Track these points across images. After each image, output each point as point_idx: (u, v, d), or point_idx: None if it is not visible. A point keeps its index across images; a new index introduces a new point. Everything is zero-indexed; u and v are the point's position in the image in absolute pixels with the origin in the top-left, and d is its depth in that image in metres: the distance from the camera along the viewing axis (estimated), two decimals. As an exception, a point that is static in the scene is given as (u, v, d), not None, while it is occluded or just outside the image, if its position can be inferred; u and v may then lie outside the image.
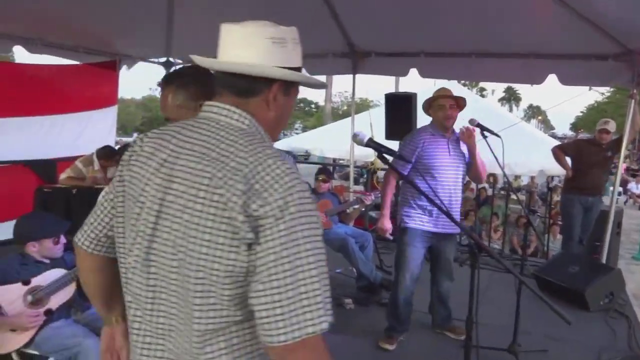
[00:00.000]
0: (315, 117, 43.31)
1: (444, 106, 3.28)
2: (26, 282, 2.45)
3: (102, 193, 1.23)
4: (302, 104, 47.78)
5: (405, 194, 3.41)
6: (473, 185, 10.12)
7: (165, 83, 1.56)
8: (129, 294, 1.10)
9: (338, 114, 32.30)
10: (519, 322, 3.15)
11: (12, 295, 2.41)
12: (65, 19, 5.15)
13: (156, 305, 1.03)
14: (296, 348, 0.90)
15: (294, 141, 12.30)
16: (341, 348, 2.33)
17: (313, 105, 48.85)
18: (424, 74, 5.56)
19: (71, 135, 6.28)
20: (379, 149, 1.90)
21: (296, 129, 43.82)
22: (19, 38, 5.24)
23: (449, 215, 1.99)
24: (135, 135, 29.23)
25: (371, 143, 1.93)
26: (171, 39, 6.18)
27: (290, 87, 1.11)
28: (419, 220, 3.29)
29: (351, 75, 6.14)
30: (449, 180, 3.27)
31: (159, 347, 1.05)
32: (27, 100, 5.97)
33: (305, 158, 12.97)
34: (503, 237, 7.45)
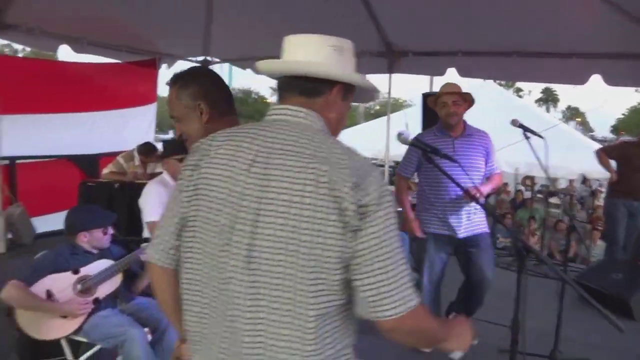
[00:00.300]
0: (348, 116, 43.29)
1: (447, 103, 3.15)
2: (76, 271, 2.54)
3: (167, 205, 1.21)
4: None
5: (422, 199, 3.32)
6: (510, 187, 9.93)
7: (171, 83, 1.59)
8: (202, 294, 1.11)
9: (370, 114, 32.16)
10: (560, 328, 3.08)
11: (62, 283, 2.50)
12: (109, 19, 5.31)
13: (256, 301, 1.04)
14: (402, 320, 1.02)
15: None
16: (375, 349, 2.33)
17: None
18: (462, 73, 5.49)
19: (113, 132, 6.48)
20: (425, 148, 1.89)
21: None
22: (66, 37, 5.44)
23: (493, 216, 1.96)
24: (170, 132, 29.79)
25: (416, 142, 1.93)
26: (209, 39, 6.29)
27: (347, 92, 1.18)
28: (436, 225, 3.20)
29: (384, 75, 6.13)
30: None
31: (257, 345, 1.04)
32: (72, 98, 6.20)
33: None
34: (541, 242, 7.28)
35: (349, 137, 11.40)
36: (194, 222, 1.12)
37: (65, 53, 6.02)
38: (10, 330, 2.73)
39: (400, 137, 2.00)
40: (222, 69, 7.25)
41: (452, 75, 5.54)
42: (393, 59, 5.84)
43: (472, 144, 3.19)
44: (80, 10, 4.97)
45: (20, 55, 19.24)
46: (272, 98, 42.48)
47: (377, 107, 39.10)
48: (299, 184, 1.01)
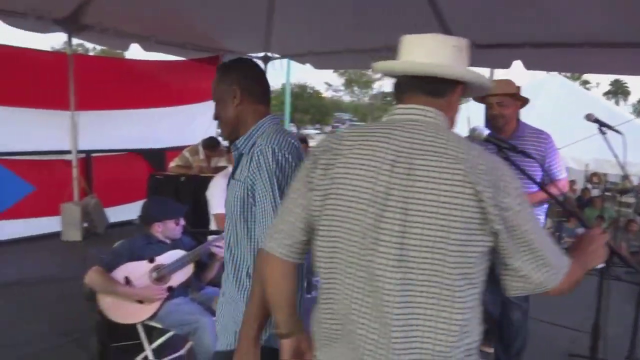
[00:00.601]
0: (402, 111, 42.68)
1: (492, 104, 2.91)
2: (151, 260, 2.68)
3: (289, 199, 1.22)
4: (389, 98, 47.28)
5: None
6: (577, 185, 9.48)
7: (218, 69, 1.74)
8: (345, 291, 1.14)
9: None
10: (637, 333, 2.93)
11: (139, 271, 2.65)
12: (175, 18, 5.51)
13: (405, 297, 1.08)
14: (562, 284, 1.15)
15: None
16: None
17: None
18: (529, 66, 5.28)
19: (179, 127, 6.74)
20: (500, 144, 1.81)
21: (382, 123, 43.48)
22: (136, 36, 5.69)
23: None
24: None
25: (491, 138, 1.85)
26: (270, 35, 6.39)
27: (464, 89, 1.21)
28: None
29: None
30: None
31: (414, 339, 1.09)
32: (141, 95, 6.50)
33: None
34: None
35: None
36: (331, 222, 1.15)
37: (134, 51, 6.29)
38: (91, 314, 2.93)
39: (475, 133, 1.93)
40: (281, 64, 7.34)
41: (517, 68, 5.36)
42: (455, 52, 5.69)
43: (524, 146, 2.97)
44: (149, 10, 5.18)
45: (91, 53, 20.31)
46: (327, 93, 42.63)
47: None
48: (446, 184, 1.06)
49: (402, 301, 1.08)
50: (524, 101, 2.98)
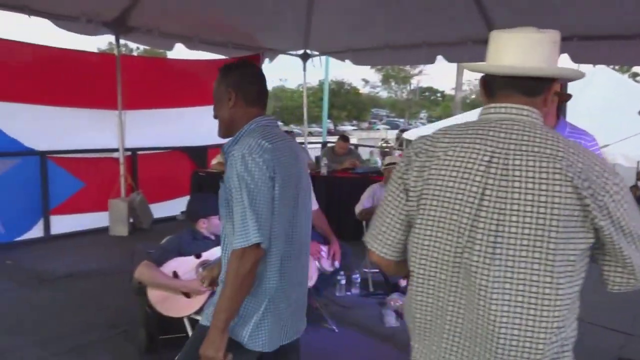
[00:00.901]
0: (441, 106, 42.01)
1: None
2: (198, 256, 2.75)
3: (386, 201, 1.28)
4: (427, 93, 46.58)
5: None
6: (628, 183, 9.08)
7: (219, 71, 1.79)
8: (440, 286, 1.19)
9: (466, 104, 30.99)
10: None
11: (186, 266, 2.72)
12: (217, 18, 5.62)
13: (501, 295, 1.10)
14: None
15: (424, 131, 12.05)
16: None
17: (439, 94, 47.36)
18: (576, 59, 5.11)
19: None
20: None
21: (421, 119, 42.93)
22: (180, 36, 5.84)
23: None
24: (266, 124, 30.72)
25: None
26: (309, 33, 6.42)
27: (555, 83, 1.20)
28: None
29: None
30: None
31: (514, 334, 1.11)
32: (182, 93, 6.65)
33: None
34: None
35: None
36: (426, 221, 1.19)
37: (177, 51, 6.44)
38: (139, 307, 3.03)
39: None
40: (320, 61, 7.36)
41: (564, 61, 5.19)
42: (498, 46, 5.56)
43: None
44: (192, 10, 5.31)
45: (134, 54, 20.91)
46: (365, 89, 42.40)
47: (473, 97, 37.53)
48: (545, 184, 1.07)
49: (498, 298, 1.11)
50: (563, 97, 2.74)
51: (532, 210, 1.07)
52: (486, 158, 1.12)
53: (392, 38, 6.11)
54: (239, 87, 1.70)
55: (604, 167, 1.09)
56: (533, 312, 1.09)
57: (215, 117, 1.76)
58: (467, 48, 5.70)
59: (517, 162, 1.09)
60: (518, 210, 1.08)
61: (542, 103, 1.18)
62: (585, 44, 4.97)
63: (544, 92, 1.17)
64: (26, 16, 4.52)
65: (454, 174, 1.15)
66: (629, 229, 1.10)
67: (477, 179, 1.12)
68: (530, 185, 1.08)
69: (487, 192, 1.11)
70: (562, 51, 4.55)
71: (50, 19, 4.69)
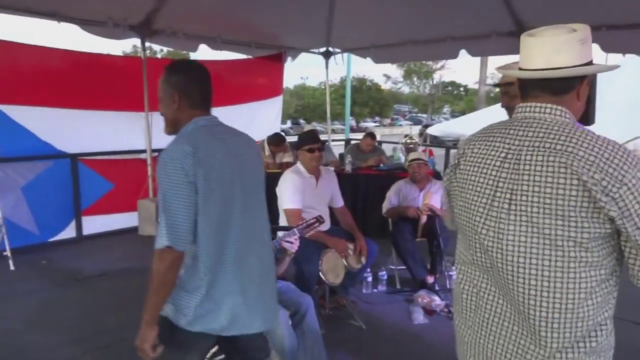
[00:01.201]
0: (464, 101, 41.48)
1: (502, 93, 2.44)
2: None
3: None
4: (449, 87, 46.03)
5: None
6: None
7: (164, 69, 1.83)
8: (470, 269, 1.39)
9: (490, 97, 30.52)
10: None
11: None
12: (240, 18, 5.66)
13: (516, 277, 1.24)
14: None
15: (448, 126, 11.94)
16: None
17: (462, 89, 46.75)
18: (606, 49, 4.98)
19: (245, 124, 6.92)
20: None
21: (444, 114, 42.48)
22: (204, 37, 5.90)
23: None
24: (289, 122, 30.89)
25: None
26: (331, 30, 6.41)
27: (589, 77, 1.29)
28: None
29: (514, 57, 5.75)
30: None
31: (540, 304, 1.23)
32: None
33: (454, 144, 12.54)
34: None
35: (470, 123, 10.90)
36: (457, 215, 1.40)
37: (201, 51, 6.51)
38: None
39: None
40: (343, 58, 7.34)
41: (594, 51, 5.05)
42: (524, 38, 5.46)
43: None
44: (215, 11, 5.36)
45: (158, 56, 21.25)
46: (386, 85, 42.14)
47: (497, 90, 36.82)
48: (550, 177, 1.16)
49: (522, 274, 1.23)
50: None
51: (538, 200, 1.18)
52: (502, 154, 1.26)
53: (414, 33, 6.05)
54: (182, 90, 1.73)
55: (625, 159, 1.13)
56: (547, 296, 1.20)
57: (162, 114, 1.80)
58: (491, 41, 5.61)
59: (528, 158, 1.20)
60: (525, 201, 1.20)
61: (575, 99, 1.26)
62: (614, 33, 4.84)
63: (574, 89, 1.24)
64: (55, 22, 4.63)
65: (475, 169, 1.31)
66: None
67: (492, 173, 1.27)
68: (537, 178, 1.18)
69: (500, 184, 1.25)
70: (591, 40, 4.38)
71: (79, 24, 4.79)
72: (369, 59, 6.89)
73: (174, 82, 1.75)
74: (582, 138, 1.16)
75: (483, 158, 1.30)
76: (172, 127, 1.78)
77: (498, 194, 1.25)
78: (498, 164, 1.25)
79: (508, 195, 1.23)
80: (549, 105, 1.23)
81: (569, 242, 1.16)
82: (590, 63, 1.24)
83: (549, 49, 1.23)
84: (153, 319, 1.66)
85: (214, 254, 1.68)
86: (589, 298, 1.19)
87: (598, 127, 1.60)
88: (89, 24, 4.87)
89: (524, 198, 1.20)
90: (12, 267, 4.66)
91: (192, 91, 1.75)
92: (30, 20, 4.67)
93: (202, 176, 1.61)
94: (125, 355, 3.12)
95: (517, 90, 1.35)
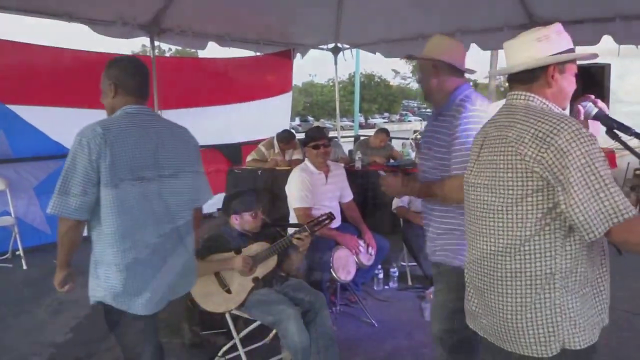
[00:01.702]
0: (474, 95, 41.09)
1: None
2: (238, 251, 2.77)
3: None
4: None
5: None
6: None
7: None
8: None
9: (500, 92, 30.23)
10: None
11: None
12: (249, 15, 5.64)
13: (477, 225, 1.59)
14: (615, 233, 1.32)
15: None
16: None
17: (471, 83, 46.29)
18: (620, 40, 4.88)
19: (252, 121, 6.92)
20: (611, 124, 1.65)
21: (453, 109, 42.13)
22: (212, 35, 5.89)
23: None
24: (297, 120, 30.81)
25: (600, 114, 1.69)
26: (340, 26, 6.37)
27: (563, 65, 1.51)
28: None
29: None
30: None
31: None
32: (216, 92, 6.72)
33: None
34: None
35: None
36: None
37: (209, 49, 6.49)
38: (183, 304, 3.08)
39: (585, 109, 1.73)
40: (352, 54, 7.29)
41: (607, 43, 4.97)
42: (536, 30, 5.37)
43: (442, 124, 2.13)
44: (223, 9, 5.34)
45: (167, 54, 21.31)
46: (394, 80, 41.95)
47: (507, 84, 36.45)
48: (500, 150, 1.45)
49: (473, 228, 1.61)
50: (457, 70, 2.16)
51: (492, 172, 1.47)
52: (482, 137, 1.58)
53: (424, 27, 5.98)
54: (119, 80, 1.96)
55: (558, 126, 1.32)
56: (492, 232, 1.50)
57: (103, 103, 2.02)
58: (502, 34, 5.52)
59: (490, 136, 1.52)
60: (487, 175, 1.50)
61: (544, 85, 1.50)
62: (628, 24, 4.75)
63: (540, 78, 1.49)
64: (65, 22, 4.65)
65: (473, 148, 1.65)
66: (571, 178, 1.28)
67: (474, 152, 1.61)
68: (492, 152, 1.48)
69: (476, 163, 1.58)
70: (604, 32, 4.31)
71: (88, 24, 4.80)
72: (378, 55, 6.84)
73: (112, 74, 1.97)
74: (533, 115, 1.40)
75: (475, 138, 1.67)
76: (110, 114, 2.00)
77: (474, 171, 1.59)
78: (479, 144, 1.59)
79: (478, 170, 1.56)
80: (522, 93, 1.51)
81: (525, 206, 1.42)
82: (561, 54, 1.49)
83: (511, 50, 1.55)
84: (60, 265, 1.93)
85: (117, 231, 1.86)
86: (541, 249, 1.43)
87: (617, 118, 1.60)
88: (98, 24, 4.87)
89: (486, 172, 1.51)
90: (24, 267, 4.70)
91: (127, 83, 1.96)
92: (39, 20, 4.68)
93: (109, 156, 1.81)
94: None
95: None
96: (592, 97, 1.68)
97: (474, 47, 5.92)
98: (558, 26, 1.52)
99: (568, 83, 1.54)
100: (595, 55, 1.59)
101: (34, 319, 3.66)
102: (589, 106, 1.64)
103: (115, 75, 1.96)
